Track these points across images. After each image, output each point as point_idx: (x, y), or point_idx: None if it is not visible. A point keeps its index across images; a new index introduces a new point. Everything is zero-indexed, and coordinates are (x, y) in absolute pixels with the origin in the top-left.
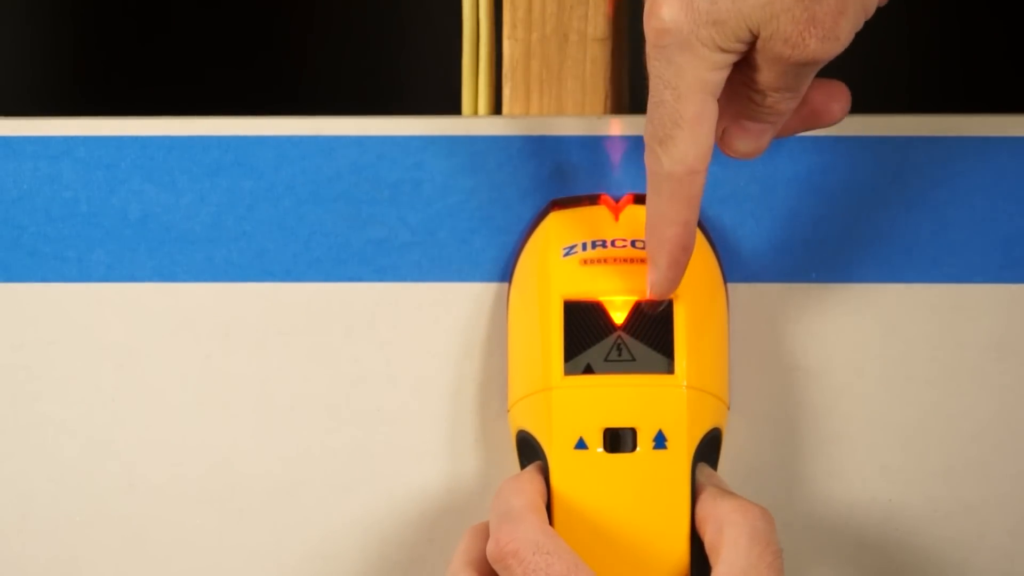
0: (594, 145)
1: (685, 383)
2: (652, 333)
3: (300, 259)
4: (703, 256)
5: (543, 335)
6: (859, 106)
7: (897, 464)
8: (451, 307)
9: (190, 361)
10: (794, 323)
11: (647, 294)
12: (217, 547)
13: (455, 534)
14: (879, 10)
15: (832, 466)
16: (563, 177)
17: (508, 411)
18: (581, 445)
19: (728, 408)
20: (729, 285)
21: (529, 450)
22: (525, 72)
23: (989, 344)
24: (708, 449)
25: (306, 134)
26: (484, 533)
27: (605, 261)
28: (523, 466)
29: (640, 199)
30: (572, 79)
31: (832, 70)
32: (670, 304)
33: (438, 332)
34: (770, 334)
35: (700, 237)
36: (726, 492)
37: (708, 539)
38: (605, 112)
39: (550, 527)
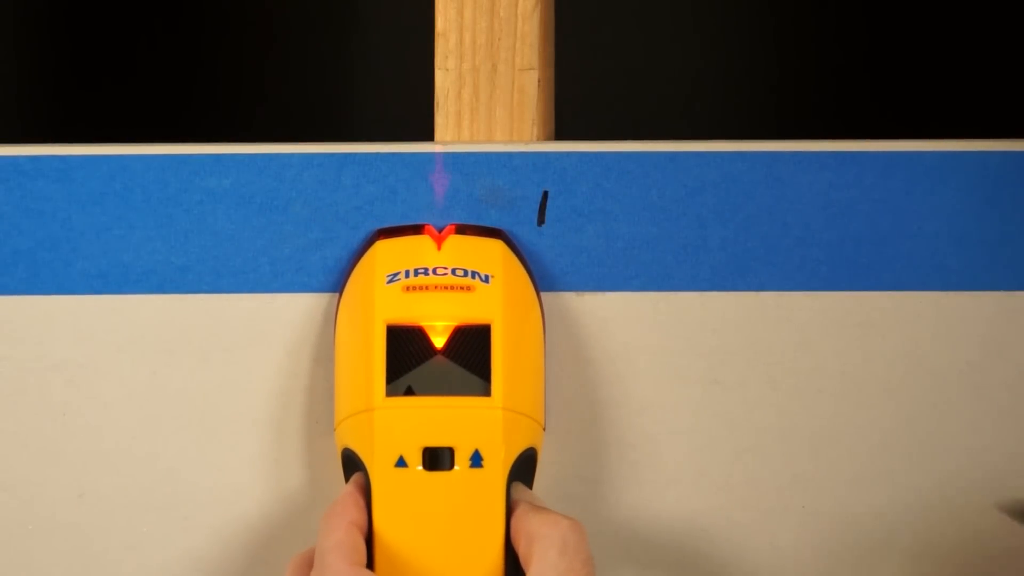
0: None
1: (501, 405)
2: (471, 357)
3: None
4: (517, 278)
5: (367, 358)
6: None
7: (809, 473)
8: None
9: (137, 374)
10: (714, 335)
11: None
12: (163, 554)
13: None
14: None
15: (748, 475)
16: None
17: (335, 429)
18: (401, 463)
19: (544, 429)
20: (639, 294)
21: (353, 468)
22: (456, 101)
23: (896, 356)
24: (523, 468)
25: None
26: (307, 564)
27: (426, 288)
28: None
29: (462, 229)
30: (501, 108)
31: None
32: (488, 328)
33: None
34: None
35: (512, 257)
36: (539, 507)
37: (521, 552)
38: (533, 139)
39: (353, 567)
